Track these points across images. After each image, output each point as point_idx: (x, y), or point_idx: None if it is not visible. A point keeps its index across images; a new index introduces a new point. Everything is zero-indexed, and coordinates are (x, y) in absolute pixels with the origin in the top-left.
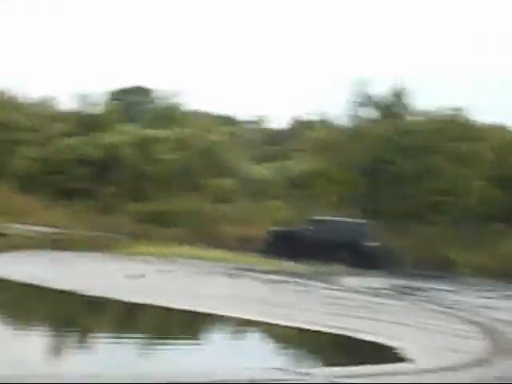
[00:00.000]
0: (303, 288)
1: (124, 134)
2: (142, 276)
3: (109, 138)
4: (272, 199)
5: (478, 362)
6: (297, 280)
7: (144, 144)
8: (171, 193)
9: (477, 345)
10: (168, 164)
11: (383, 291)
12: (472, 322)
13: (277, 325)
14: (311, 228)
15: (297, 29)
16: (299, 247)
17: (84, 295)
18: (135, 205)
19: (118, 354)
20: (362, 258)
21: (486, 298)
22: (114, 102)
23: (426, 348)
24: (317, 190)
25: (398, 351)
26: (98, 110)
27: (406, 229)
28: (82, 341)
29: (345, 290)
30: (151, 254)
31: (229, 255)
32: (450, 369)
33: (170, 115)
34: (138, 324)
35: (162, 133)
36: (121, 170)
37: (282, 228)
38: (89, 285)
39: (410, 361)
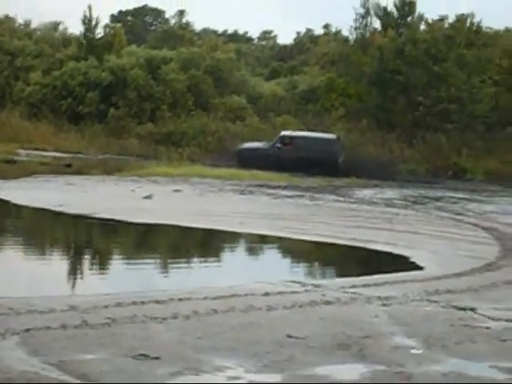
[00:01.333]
0: (317, 202)
1: (131, 56)
2: (153, 196)
3: (116, 60)
4: (282, 115)
5: (488, 267)
6: (311, 194)
7: (151, 65)
8: (180, 113)
9: (488, 250)
10: (176, 84)
11: (397, 201)
12: (484, 228)
13: (292, 239)
14: (278, 145)
15: None
16: (268, 164)
17: (98, 218)
18: (145, 126)
19: (137, 275)
20: (334, 171)
21: (497, 204)
22: (121, 23)
23: (438, 255)
24: (327, 103)
25: (411, 259)
26: (105, 32)
27: (416, 138)
28: (98, 263)
29: (359, 203)
30: (163, 175)
31: (242, 172)
32: (459, 275)
33: (177, 35)
34: (153, 244)
35: (169, 53)
36: (129, 91)
37: (252, 144)
38: (102, 207)
39: (421, 268)
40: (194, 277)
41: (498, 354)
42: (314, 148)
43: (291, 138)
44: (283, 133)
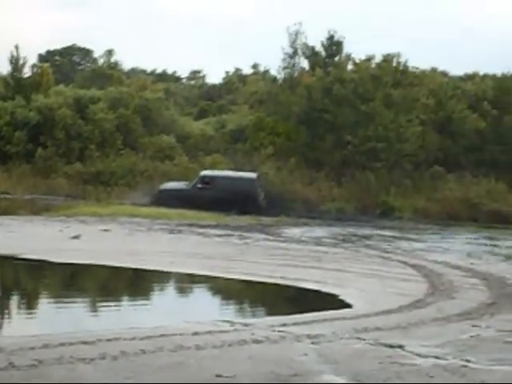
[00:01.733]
0: (247, 241)
1: (59, 95)
2: (81, 236)
3: (44, 99)
4: (211, 154)
5: (416, 304)
6: (241, 233)
7: (80, 104)
8: (109, 152)
9: (416, 287)
10: (104, 123)
11: (326, 240)
12: (412, 266)
13: (221, 278)
14: (199, 185)
15: None
16: (189, 204)
17: (25, 258)
18: (73, 166)
19: (65, 315)
20: (254, 209)
21: (425, 241)
22: (49, 63)
23: (367, 293)
24: (255, 142)
25: (340, 297)
26: (33, 72)
27: (345, 176)
28: (25, 304)
29: (288, 241)
30: (91, 215)
31: (171, 212)
32: (388, 312)
33: (106, 74)
34: (81, 284)
35: (97, 92)
36: (57, 131)
37: (172, 184)
38: (29, 247)
39: (351, 306)
40: (123, 317)
41: None
42: (235, 187)
43: (211, 177)
44: (203, 173)
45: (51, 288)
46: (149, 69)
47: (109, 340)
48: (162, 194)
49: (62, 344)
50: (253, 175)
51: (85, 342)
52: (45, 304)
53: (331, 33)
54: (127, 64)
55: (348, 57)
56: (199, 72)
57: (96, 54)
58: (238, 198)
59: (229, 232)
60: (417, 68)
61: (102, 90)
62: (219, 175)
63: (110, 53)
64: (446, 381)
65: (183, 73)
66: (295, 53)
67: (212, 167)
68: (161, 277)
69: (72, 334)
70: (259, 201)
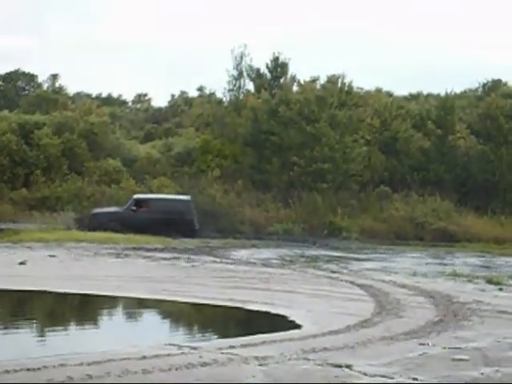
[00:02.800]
0: (195, 263)
1: (3, 121)
2: (25, 263)
3: None
4: (158, 177)
5: (364, 324)
6: (188, 256)
7: (24, 130)
8: (55, 177)
9: (363, 307)
10: (50, 148)
11: (273, 261)
12: (359, 285)
13: (169, 301)
14: (134, 208)
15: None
16: (123, 227)
17: None
18: (18, 192)
19: (11, 342)
20: (187, 231)
21: (372, 260)
22: None
23: (315, 314)
24: (202, 164)
25: (289, 319)
26: None
27: (292, 198)
28: None
29: (236, 263)
30: (37, 240)
31: (118, 236)
32: (336, 332)
33: (50, 99)
34: (27, 311)
35: (42, 117)
36: (1, 157)
37: (105, 209)
38: None
39: (299, 327)
40: (69, 343)
41: None
42: (168, 209)
43: (145, 200)
44: (136, 196)
45: None
46: (94, 93)
47: (55, 366)
48: (94, 217)
49: (7, 371)
50: (186, 197)
51: (30, 369)
52: None
53: (276, 54)
54: (72, 88)
55: (293, 78)
56: (145, 95)
57: (40, 79)
58: (173, 220)
59: (176, 255)
60: (361, 88)
61: (46, 115)
62: (152, 198)
63: (54, 77)
64: None
65: (129, 96)
66: (240, 75)
67: (159, 190)
68: (108, 302)
69: (17, 361)
70: (194, 222)
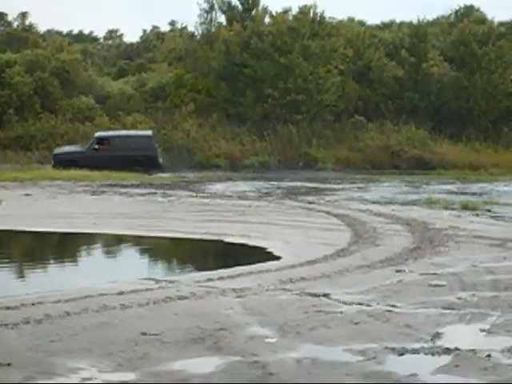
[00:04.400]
0: (171, 198)
1: None
2: (2, 202)
3: None
4: (132, 113)
5: (340, 253)
6: (164, 191)
7: None
8: (28, 116)
9: (340, 236)
10: (22, 87)
11: (249, 194)
12: (336, 215)
13: (146, 236)
14: (96, 146)
15: None
16: (86, 165)
17: None
18: None
19: None
20: (150, 167)
21: (347, 190)
22: None
23: (292, 245)
24: (176, 99)
25: (266, 250)
26: None
27: (267, 130)
28: None
29: (212, 197)
30: (12, 180)
31: (94, 173)
32: (313, 262)
33: (21, 37)
34: (3, 250)
35: (13, 56)
36: None
37: (68, 148)
38: None
39: (277, 258)
40: (47, 281)
41: (352, 337)
42: (131, 146)
43: (107, 138)
44: (98, 133)
45: None
46: (65, 30)
47: (33, 304)
48: (56, 157)
49: None
50: (148, 132)
51: (8, 307)
52: None
53: None
54: (42, 26)
55: (265, 10)
56: (116, 31)
57: (10, 17)
58: (135, 157)
59: (152, 190)
60: (334, 18)
61: (17, 54)
62: (114, 135)
63: (24, 15)
64: (371, 326)
65: (100, 33)
66: (212, 8)
67: (133, 126)
68: (85, 239)
69: None
70: (157, 158)
